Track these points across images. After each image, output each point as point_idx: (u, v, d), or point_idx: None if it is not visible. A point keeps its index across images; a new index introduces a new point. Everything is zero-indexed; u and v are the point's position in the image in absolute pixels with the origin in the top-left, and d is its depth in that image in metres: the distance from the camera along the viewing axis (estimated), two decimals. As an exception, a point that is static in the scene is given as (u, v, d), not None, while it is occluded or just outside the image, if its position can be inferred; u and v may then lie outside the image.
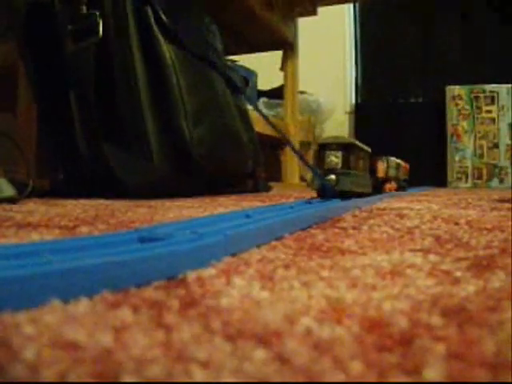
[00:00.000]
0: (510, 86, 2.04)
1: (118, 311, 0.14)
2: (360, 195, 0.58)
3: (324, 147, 0.55)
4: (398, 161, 1.04)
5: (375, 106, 2.29)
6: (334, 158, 0.54)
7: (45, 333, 0.12)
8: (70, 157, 0.82)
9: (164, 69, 0.79)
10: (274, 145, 1.63)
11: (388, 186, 0.86)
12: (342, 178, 0.53)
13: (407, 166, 1.20)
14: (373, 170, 0.72)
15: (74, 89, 0.77)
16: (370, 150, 0.66)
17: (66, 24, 0.78)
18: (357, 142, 0.58)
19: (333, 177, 0.52)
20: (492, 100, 2.06)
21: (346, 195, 0.52)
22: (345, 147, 0.55)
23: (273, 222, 0.30)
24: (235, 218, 0.32)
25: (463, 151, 2.07)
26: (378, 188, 0.75)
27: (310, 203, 0.45)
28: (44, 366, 0.10)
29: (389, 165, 0.86)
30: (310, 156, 1.74)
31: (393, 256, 0.24)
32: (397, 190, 0.98)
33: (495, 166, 2.05)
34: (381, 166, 0.78)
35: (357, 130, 2.27)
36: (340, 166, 0.54)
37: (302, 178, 1.65)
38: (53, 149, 0.88)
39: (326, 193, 0.51)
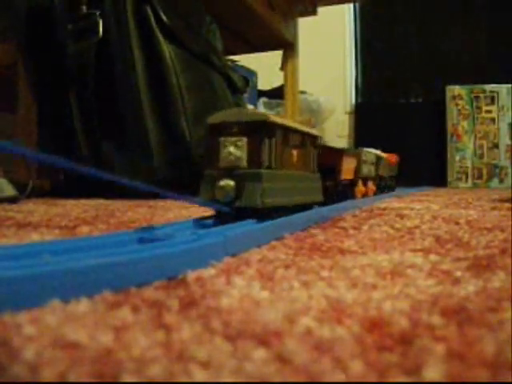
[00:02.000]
0: (510, 85, 2.04)
1: (118, 311, 0.14)
2: (292, 210, 0.35)
3: (216, 131, 0.31)
4: (379, 153, 0.78)
5: (375, 106, 2.29)
6: (234, 149, 0.30)
7: (45, 333, 0.12)
8: (70, 157, 0.82)
9: (164, 69, 0.79)
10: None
11: (360, 189, 0.62)
12: (250, 184, 0.30)
13: (394, 158, 0.93)
14: (331, 168, 0.50)
15: (74, 89, 0.77)
16: (316, 133, 0.42)
17: (67, 24, 0.78)
18: (278, 119, 0.33)
19: (230, 183, 0.30)
20: (492, 100, 2.06)
21: (262, 212, 0.30)
22: (253, 128, 0.30)
23: (273, 222, 0.30)
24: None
25: (463, 151, 2.07)
26: (341, 194, 0.53)
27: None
28: (44, 365, 0.10)
29: (361, 160, 0.62)
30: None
31: (393, 256, 0.24)
32: (377, 192, 0.74)
33: (495, 165, 2.05)
34: (347, 165, 0.55)
35: (357, 130, 2.27)
36: (245, 162, 0.30)
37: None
38: (53, 149, 0.88)
39: (220, 212, 0.31)
